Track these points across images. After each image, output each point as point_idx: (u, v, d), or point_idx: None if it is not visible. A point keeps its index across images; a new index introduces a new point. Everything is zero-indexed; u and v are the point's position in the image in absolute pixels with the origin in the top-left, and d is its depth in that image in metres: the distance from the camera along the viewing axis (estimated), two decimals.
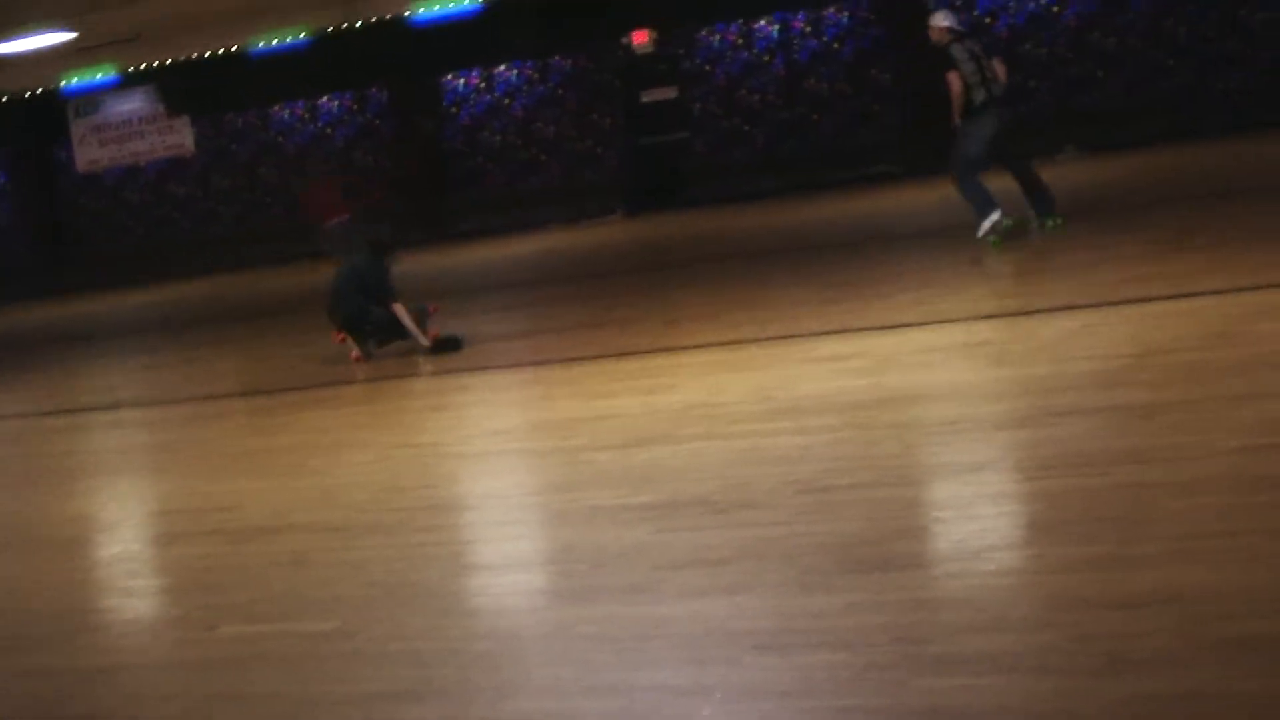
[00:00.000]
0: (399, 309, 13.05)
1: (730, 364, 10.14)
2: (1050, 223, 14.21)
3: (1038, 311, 10.21)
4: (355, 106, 32.95)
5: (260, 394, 12.79)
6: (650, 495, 6.87)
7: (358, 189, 30.58)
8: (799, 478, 6.72)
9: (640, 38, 28.87)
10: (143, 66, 29.22)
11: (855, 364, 9.39)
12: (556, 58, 30.78)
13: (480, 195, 31.52)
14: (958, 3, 26.15)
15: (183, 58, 29.07)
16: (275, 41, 27.94)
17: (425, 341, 13.02)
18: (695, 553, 5.88)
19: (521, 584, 6.17)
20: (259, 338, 17.79)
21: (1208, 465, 5.90)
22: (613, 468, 7.66)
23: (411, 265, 15.86)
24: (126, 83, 30.54)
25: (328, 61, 29.77)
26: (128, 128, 32.46)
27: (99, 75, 28.57)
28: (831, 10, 28.69)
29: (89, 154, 33.20)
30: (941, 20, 14.60)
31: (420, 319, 13.21)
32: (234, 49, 28.57)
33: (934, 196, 15.17)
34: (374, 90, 32.41)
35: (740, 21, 29.23)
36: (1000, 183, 14.14)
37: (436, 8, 26.04)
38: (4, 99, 30.65)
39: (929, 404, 8.06)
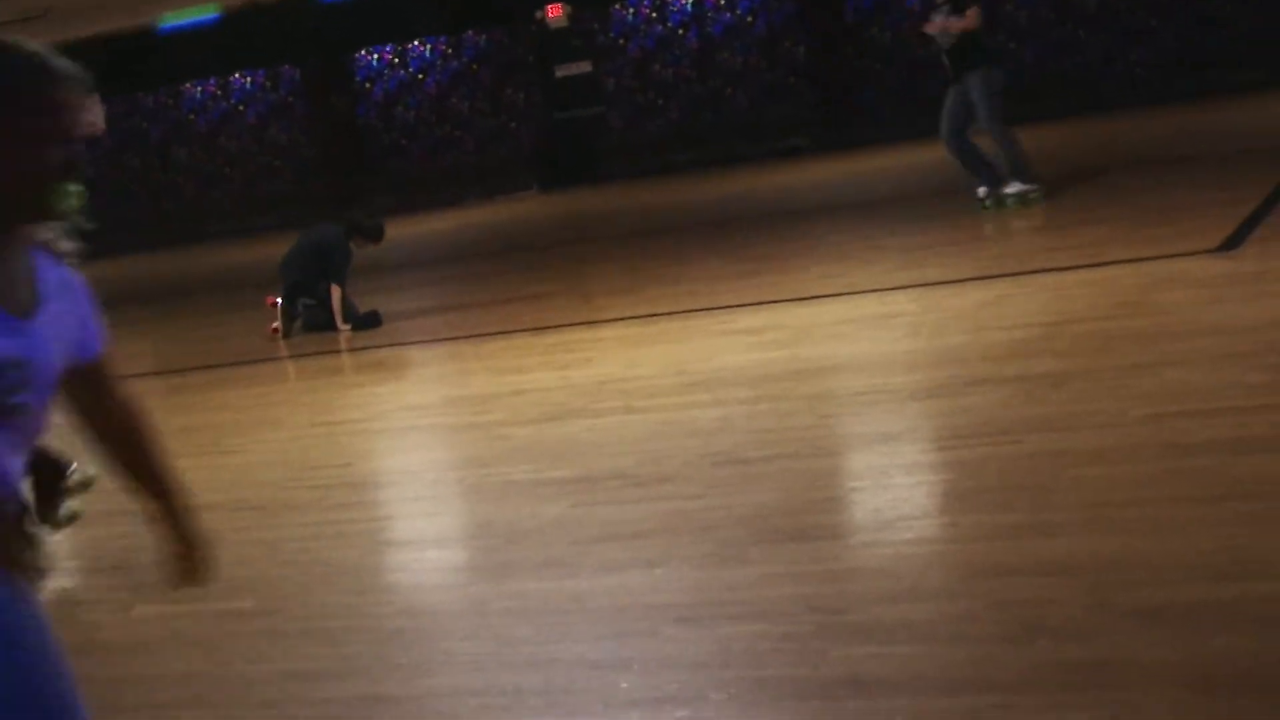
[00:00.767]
0: (336, 292, 12.93)
1: (646, 338, 10.15)
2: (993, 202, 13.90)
3: (951, 282, 10.27)
4: (268, 84, 32.70)
5: (173, 373, 12.67)
6: (567, 470, 6.87)
7: None
8: (716, 450, 6.74)
9: (554, 12, 28.83)
10: (51, 44, 28.83)
11: (771, 336, 9.42)
12: (470, 33, 30.66)
13: (396, 172, 31.38)
14: None
15: (92, 35, 28.72)
16: (186, 18, 27.67)
17: (343, 327, 12.89)
18: (612, 527, 5.88)
19: (438, 560, 6.16)
20: (172, 318, 17.63)
21: (1118, 434, 5.96)
22: (529, 442, 7.65)
23: None
24: None
25: (239, 38, 29.54)
26: None
27: None
28: None
29: None
30: None
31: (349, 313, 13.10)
32: (144, 26, 28.28)
33: (846, 170, 15.21)
34: (286, 67, 32.17)
35: None
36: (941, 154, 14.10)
37: None
38: None
39: (844, 375, 8.10)
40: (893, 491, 5.84)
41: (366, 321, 12.90)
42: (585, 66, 29.31)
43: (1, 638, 2.46)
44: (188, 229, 31.39)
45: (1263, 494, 4.97)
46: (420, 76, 31.28)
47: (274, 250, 15.16)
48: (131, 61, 30.49)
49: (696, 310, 10.87)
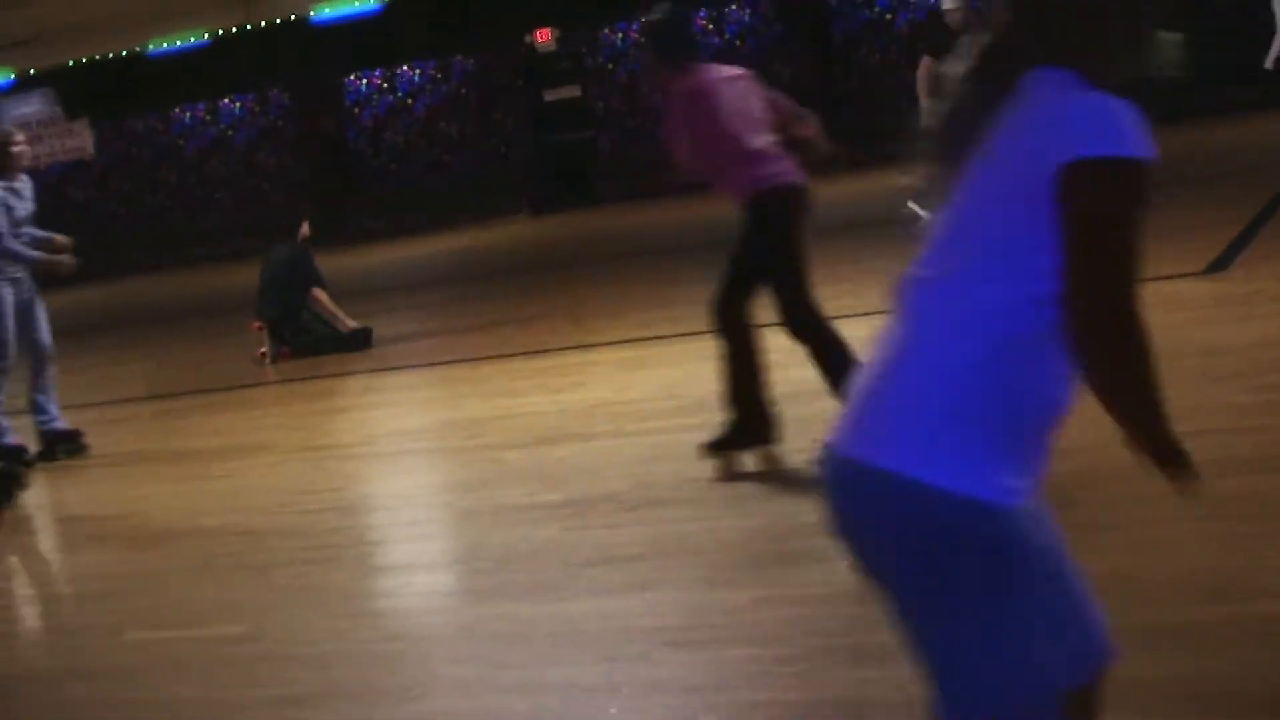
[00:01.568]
0: (322, 295, 13.12)
1: (638, 361, 10.15)
2: None
3: None
4: (257, 108, 32.71)
5: (165, 398, 12.66)
6: (559, 493, 6.87)
7: None
8: (708, 474, 6.74)
9: (543, 36, 28.86)
10: (41, 69, 28.87)
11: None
12: (458, 57, 30.68)
13: (385, 195, 31.37)
14: None
15: (82, 60, 28.77)
16: (175, 43, 27.70)
17: (348, 324, 13.09)
18: (604, 550, 5.89)
19: (430, 584, 6.16)
20: (163, 342, 17.61)
21: (1105, 455, 5.95)
22: (521, 466, 7.65)
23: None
24: (24, 86, 30.16)
25: (228, 63, 29.56)
26: (26, 131, 31.99)
27: None
28: (733, 7, 28.80)
29: None
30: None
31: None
32: (134, 51, 28.30)
33: (835, 192, 15.24)
34: (275, 91, 32.18)
35: (642, 20, 29.27)
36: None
37: (337, 8, 25.92)
38: None
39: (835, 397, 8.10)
40: None
41: (359, 337, 13.03)
42: (574, 90, 29.33)
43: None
44: (177, 253, 31.36)
45: (1251, 514, 4.98)
46: (409, 100, 31.29)
47: None
48: (121, 86, 30.51)
49: (687, 334, 10.86)
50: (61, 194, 34.70)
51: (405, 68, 31.14)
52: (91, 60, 28.89)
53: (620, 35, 29.43)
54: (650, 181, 27.99)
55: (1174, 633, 4.13)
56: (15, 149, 9.78)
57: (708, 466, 6.79)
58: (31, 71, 29.01)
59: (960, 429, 2.49)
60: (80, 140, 32.31)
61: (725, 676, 4.42)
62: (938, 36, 13.48)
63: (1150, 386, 2.49)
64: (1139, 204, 2.37)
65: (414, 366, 12.09)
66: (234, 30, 27.86)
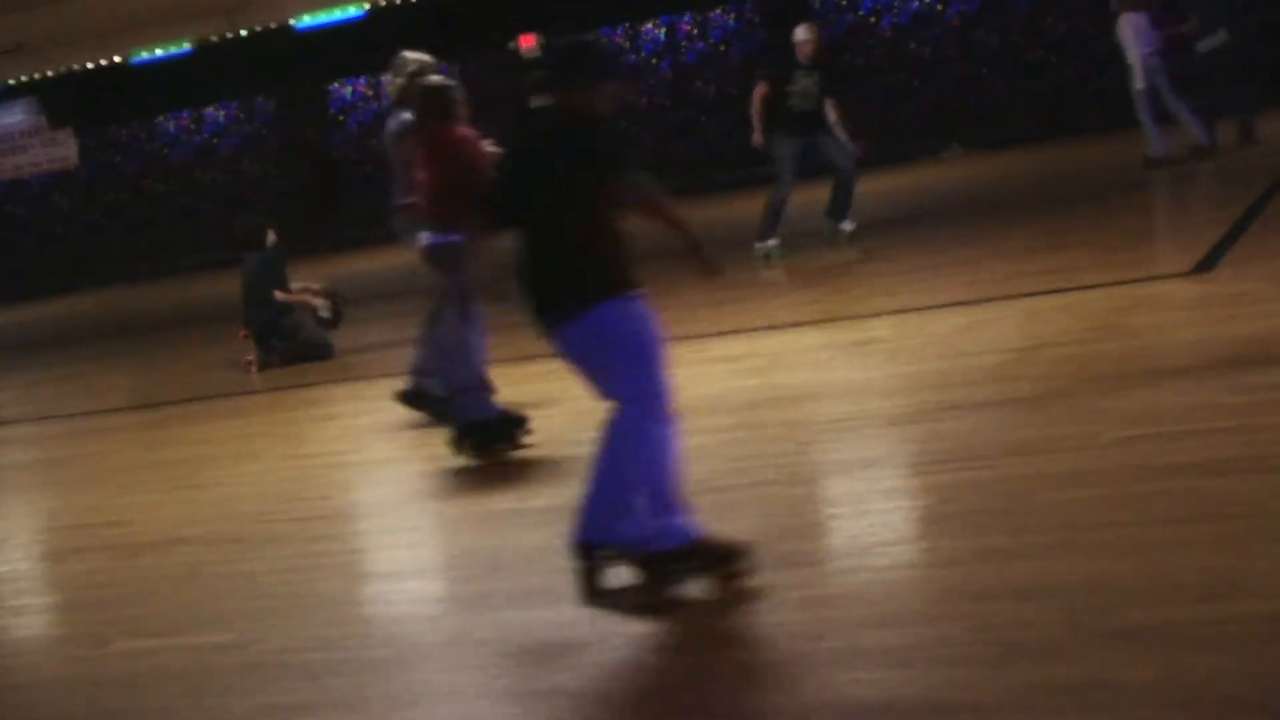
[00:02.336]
0: (292, 295, 13.30)
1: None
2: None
3: (927, 308, 10.30)
4: (241, 116, 32.69)
5: (151, 407, 12.65)
6: (547, 498, 6.86)
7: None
8: (694, 478, 6.71)
9: (527, 42, 28.85)
10: (24, 79, 28.84)
11: (748, 364, 9.44)
12: (444, 64, 30.66)
13: (371, 203, 31.36)
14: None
15: (65, 69, 28.72)
16: (159, 52, 27.67)
17: (317, 302, 13.50)
18: None
19: (418, 591, 6.15)
20: (149, 350, 17.60)
21: (1093, 456, 5.98)
22: (510, 472, 7.64)
23: (303, 274, 15.71)
24: (7, 95, 30.13)
25: (212, 71, 29.54)
26: (10, 141, 31.97)
27: None
28: (718, 13, 28.83)
29: None
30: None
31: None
32: (117, 60, 28.27)
33: (818, 197, 15.26)
34: (260, 100, 32.17)
35: (626, 25, 29.28)
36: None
37: (321, 16, 25.90)
38: None
39: (821, 402, 8.12)
40: (870, 517, 5.85)
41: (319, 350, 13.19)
42: None
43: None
44: (162, 262, 31.33)
45: (1237, 515, 4.99)
46: None
47: None
48: (105, 95, 30.47)
49: (673, 338, 10.85)
50: (46, 203, 34.68)
51: (390, 74, 31.14)
52: (75, 70, 28.84)
53: (605, 41, 29.44)
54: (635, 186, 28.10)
55: (1162, 633, 4.14)
56: None
57: (693, 470, 6.78)
58: (14, 81, 28.99)
59: None
60: (64, 150, 32.30)
61: (712, 680, 4.42)
62: (782, 65, 14.29)
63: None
64: None
65: (401, 374, 12.05)
66: (218, 39, 27.83)
